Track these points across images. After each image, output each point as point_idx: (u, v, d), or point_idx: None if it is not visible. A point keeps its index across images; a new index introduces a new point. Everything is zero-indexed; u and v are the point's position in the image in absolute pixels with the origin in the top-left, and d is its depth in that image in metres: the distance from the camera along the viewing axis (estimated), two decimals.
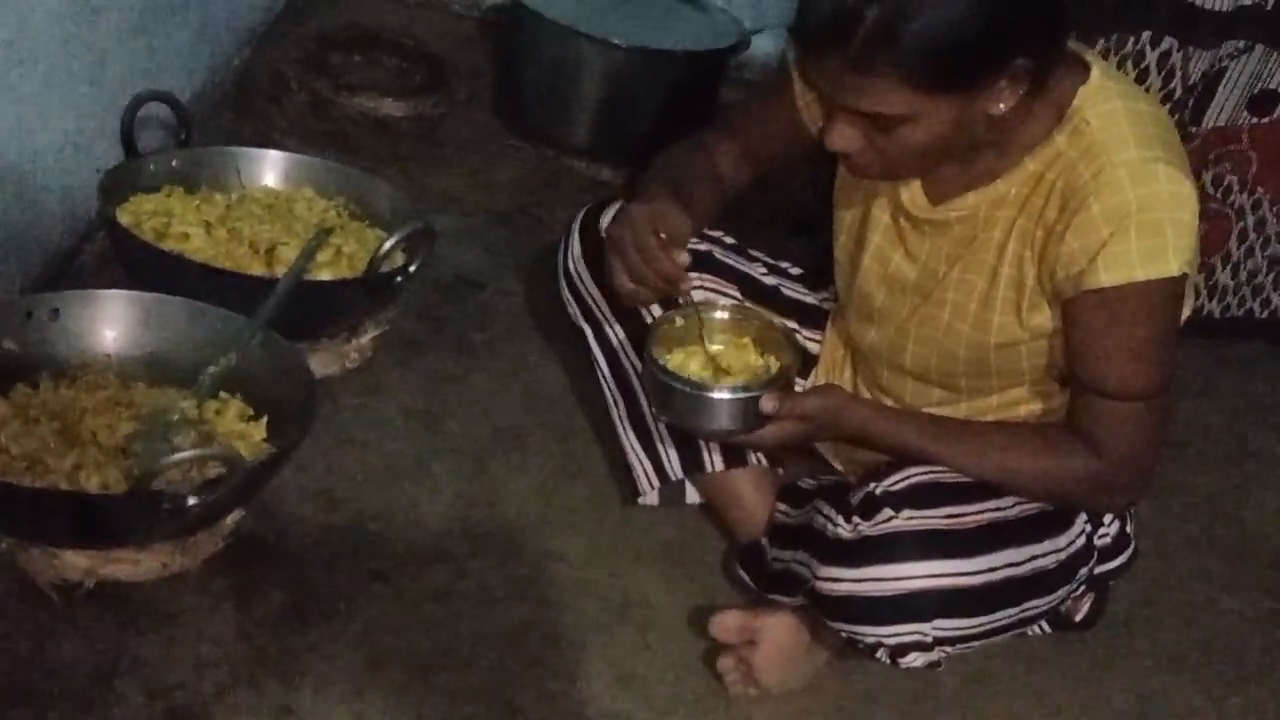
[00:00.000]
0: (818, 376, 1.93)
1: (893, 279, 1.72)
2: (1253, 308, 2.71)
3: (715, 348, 1.72)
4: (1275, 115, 2.48)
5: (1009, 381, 1.70)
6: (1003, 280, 1.61)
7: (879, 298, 1.74)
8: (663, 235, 1.66)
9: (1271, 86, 2.43)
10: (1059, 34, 1.50)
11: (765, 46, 2.98)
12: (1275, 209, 2.59)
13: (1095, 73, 1.55)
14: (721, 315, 1.74)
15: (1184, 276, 1.52)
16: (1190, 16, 2.32)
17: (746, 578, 1.82)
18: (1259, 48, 2.37)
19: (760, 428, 1.61)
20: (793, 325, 1.93)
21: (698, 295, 1.80)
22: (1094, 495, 1.64)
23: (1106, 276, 1.50)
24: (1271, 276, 2.67)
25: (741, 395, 1.60)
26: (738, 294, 1.90)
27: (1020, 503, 1.62)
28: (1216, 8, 2.31)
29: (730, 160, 1.85)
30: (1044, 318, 1.60)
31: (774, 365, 1.68)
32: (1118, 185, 1.49)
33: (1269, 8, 2.32)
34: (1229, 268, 2.65)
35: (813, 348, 1.95)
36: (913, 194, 1.66)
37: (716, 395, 1.60)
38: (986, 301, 1.63)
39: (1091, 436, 1.58)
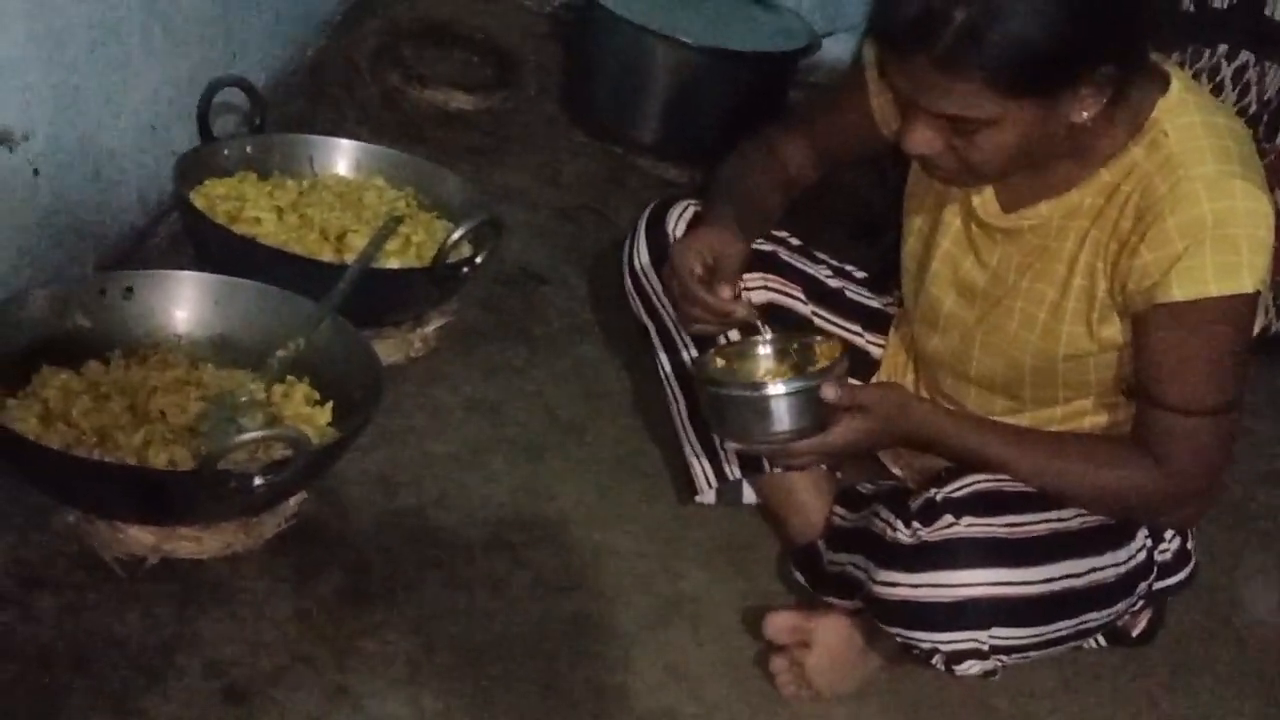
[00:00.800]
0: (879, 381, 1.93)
1: (962, 285, 1.72)
2: None
3: (766, 349, 1.68)
4: None
5: (1075, 393, 1.69)
6: (1074, 291, 1.60)
7: (947, 303, 1.74)
8: (700, 271, 1.65)
9: None
10: (1143, 43, 1.49)
11: (835, 50, 2.98)
12: None
13: (1175, 85, 1.54)
14: (764, 350, 1.69)
15: (1257, 294, 1.51)
16: (1268, 31, 2.30)
17: (802, 579, 1.82)
18: None
19: (823, 430, 1.58)
20: (856, 329, 1.93)
21: (761, 297, 1.81)
22: (1155, 510, 1.63)
23: (1179, 291, 1.49)
24: None
25: (797, 386, 1.56)
26: (802, 295, 1.90)
27: (1081, 514, 1.61)
28: None
29: (799, 158, 1.85)
30: (1114, 330, 1.59)
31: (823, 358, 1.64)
32: (1194, 199, 1.47)
33: None
34: None
35: (875, 352, 1.94)
36: (985, 200, 1.65)
37: (772, 391, 1.56)
38: (1056, 312, 1.62)
39: (1156, 450, 1.56)
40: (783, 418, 1.57)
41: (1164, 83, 1.54)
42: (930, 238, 1.74)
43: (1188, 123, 1.51)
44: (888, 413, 1.60)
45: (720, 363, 1.68)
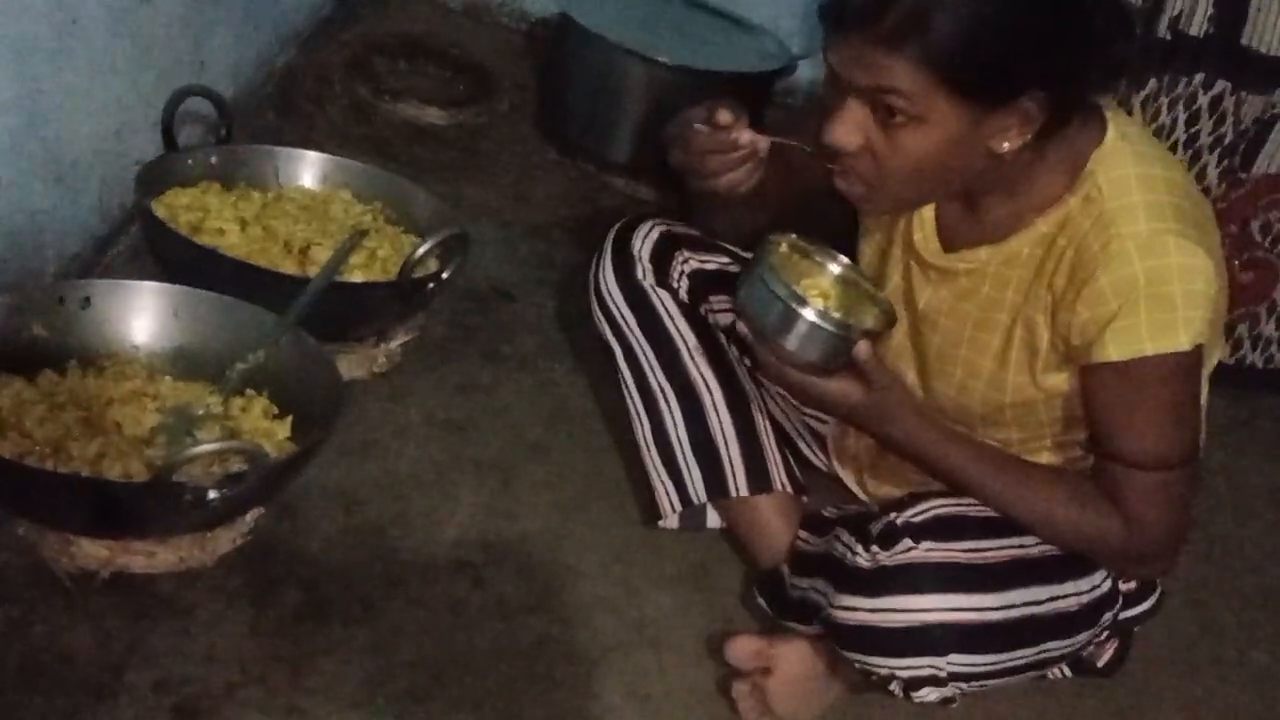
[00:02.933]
0: None
1: (908, 321, 1.70)
2: None
3: (837, 270, 1.64)
4: None
5: (1028, 433, 1.67)
6: (1016, 341, 1.59)
7: (894, 336, 1.72)
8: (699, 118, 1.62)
9: None
10: (1078, 82, 1.47)
11: (812, 72, 2.97)
12: None
13: (1110, 133, 1.52)
14: (834, 269, 1.64)
15: (1196, 349, 1.50)
16: (1244, 60, 2.30)
17: (764, 604, 1.80)
18: None
19: (825, 375, 1.55)
20: None
21: (727, 319, 1.78)
22: (1119, 559, 1.61)
23: (1115, 351, 1.49)
24: None
25: (838, 330, 1.52)
26: None
27: (1043, 542, 1.60)
28: (1271, 52, 2.29)
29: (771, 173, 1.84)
30: (1059, 379, 1.58)
31: (871, 317, 1.62)
32: (1125, 258, 1.47)
33: None
34: (1274, 318, 2.61)
35: None
36: (926, 237, 1.64)
37: (808, 315, 1.52)
38: (1002, 361, 1.61)
39: (1115, 502, 1.55)
40: (799, 339, 1.53)
41: (1101, 129, 1.53)
42: (880, 268, 1.73)
43: (1121, 176, 1.50)
44: (885, 402, 1.58)
45: (784, 250, 1.63)
